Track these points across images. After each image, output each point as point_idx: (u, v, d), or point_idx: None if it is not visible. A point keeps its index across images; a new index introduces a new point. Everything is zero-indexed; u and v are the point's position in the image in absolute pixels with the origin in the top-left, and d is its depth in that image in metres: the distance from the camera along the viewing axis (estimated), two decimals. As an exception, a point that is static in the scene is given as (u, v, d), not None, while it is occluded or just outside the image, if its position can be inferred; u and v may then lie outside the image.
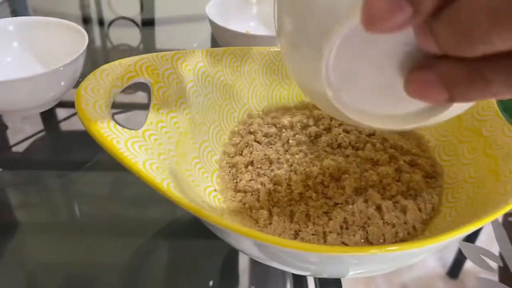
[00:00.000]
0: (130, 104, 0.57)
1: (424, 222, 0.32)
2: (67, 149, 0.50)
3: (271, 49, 0.43)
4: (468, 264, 0.34)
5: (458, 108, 0.20)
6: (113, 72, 0.32)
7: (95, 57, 0.71)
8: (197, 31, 0.79)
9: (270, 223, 0.31)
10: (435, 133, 0.39)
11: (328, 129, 0.39)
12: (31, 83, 0.43)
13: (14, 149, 0.49)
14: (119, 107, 0.56)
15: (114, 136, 0.27)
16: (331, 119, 0.40)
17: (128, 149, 0.27)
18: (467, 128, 0.36)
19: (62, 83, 0.47)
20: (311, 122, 0.39)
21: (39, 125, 0.52)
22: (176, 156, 0.32)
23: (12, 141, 0.50)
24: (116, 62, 0.33)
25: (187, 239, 0.37)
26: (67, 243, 0.38)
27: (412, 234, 0.31)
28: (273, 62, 0.43)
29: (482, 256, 0.34)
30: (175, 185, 0.26)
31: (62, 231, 0.39)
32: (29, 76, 0.42)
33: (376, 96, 0.21)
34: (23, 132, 0.51)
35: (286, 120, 0.39)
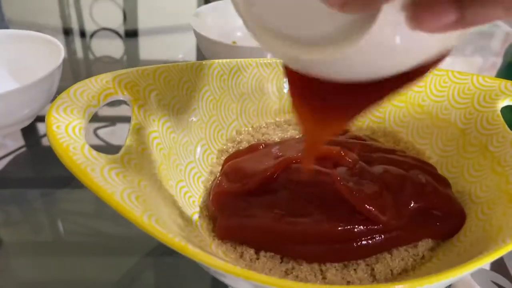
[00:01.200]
0: (115, 117, 0.55)
1: (432, 248, 0.29)
2: (49, 164, 0.47)
3: (261, 61, 0.40)
4: None
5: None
6: (88, 90, 0.30)
7: (77, 70, 0.68)
8: (182, 42, 0.77)
9: (258, 259, 0.29)
10: (436, 148, 0.36)
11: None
12: (2, 101, 0.40)
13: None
14: (103, 120, 0.53)
15: (88, 163, 0.24)
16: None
17: (104, 178, 0.24)
18: (471, 143, 0.34)
19: (37, 99, 0.44)
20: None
21: (20, 141, 0.50)
22: (160, 180, 0.29)
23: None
24: (92, 79, 0.31)
25: (174, 256, 0.34)
26: (52, 262, 0.36)
27: (418, 262, 0.28)
28: (263, 75, 0.40)
29: (493, 282, 0.32)
30: (157, 218, 0.23)
31: (46, 250, 0.37)
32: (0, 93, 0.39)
33: (289, 11, 0.19)
34: (5, 148, 0.48)
35: (277, 137, 0.37)
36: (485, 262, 0.22)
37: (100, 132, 0.52)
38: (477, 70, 0.70)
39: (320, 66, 0.20)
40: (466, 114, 0.35)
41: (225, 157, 0.37)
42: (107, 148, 0.50)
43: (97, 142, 0.50)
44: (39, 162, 0.49)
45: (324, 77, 0.20)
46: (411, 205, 0.29)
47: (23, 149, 0.49)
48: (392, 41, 0.17)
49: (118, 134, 0.52)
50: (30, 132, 0.51)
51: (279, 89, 0.41)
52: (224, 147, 0.37)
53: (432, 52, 0.19)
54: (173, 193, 0.31)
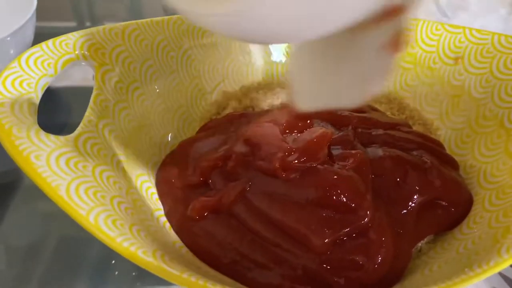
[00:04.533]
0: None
1: (431, 240, 0.26)
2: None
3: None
4: None
5: None
6: (44, 56, 0.26)
7: (78, 7, 0.63)
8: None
9: None
10: (446, 119, 0.32)
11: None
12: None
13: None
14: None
15: (33, 148, 0.21)
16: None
17: (49, 167, 0.21)
18: (485, 116, 0.29)
19: (11, 53, 0.40)
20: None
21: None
22: (126, 161, 0.26)
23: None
24: (49, 42, 0.27)
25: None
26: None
27: (414, 255, 0.25)
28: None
29: None
30: (108, 215, 0.21)
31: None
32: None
33: None
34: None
35: (265, 104, 0.33)
36: (478, 279, 0.19)
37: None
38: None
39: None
40: (483, 82, 0.30)
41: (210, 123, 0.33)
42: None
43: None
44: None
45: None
46: (413, 201, 0.25)
47: None
48: None
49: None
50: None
51: (271, 46, 0.36)
52: (207, 114, 0.34)
53: None
54: (143, 171, 0.28)
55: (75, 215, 0.20)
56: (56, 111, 0.45)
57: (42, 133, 0.22)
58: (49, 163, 0.21)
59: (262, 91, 0.35)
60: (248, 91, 0.35)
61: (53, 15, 0.62)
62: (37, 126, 0.23)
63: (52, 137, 0.23)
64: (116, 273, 0.30)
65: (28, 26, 0.41)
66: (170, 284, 0.30)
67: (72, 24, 0.66)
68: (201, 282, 0.18)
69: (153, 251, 0.20)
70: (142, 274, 0.30)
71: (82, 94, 0.49)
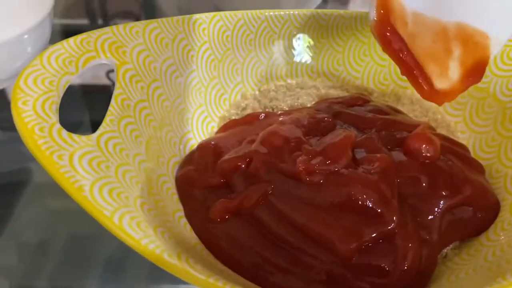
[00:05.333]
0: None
1: (456, 246, 0.25)
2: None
3: (270, 13, 0.35)
4: None
5: None
6: (65, 54, 0.26)
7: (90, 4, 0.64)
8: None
9: None
10: (470, 122, 0.31)
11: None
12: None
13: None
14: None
15: (55, 148, 0.21)
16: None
17: (73, 167, 0.21)
18: (513, 119, 0.29)
19: (28, 50, 0.40)
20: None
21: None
22: (147, 161, 0.26)
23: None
24: (71, 40, 0.26)
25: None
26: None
27: (440, 261, 0.25)
28: (273, 29, 0.35)
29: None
30: (132, 216, 0.20)
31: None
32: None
33: None
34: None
35: (285, 104, 0.32)
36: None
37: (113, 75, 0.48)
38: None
39: None
40: (509, 84, 0.30)
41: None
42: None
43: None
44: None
45: None
46: (440, 206, 0.25)
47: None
48: None
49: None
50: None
51: (292, 46, 0.36)
52: (227, 114, 0.33)
53: None
54: (164, 171, 0.27)
55: (99, 216, 0.19)
56: (70, 109, 0.45)
57: (65, 132, 0.22)
58: (72, 163, 0.21)
59: (281, 92, 0.35)
60: (267, 91, 0.35)
61: (65, 12, 0.62)
62: (59, 125, 0.22)
63: (75, 136, 0.22)
64: (126, 270, 0.30)
65: (46, 23, 0.40)
66: (176, 283, 0.30)
67: (84, 21, 0.66)
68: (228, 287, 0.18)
69: (178, 254, 0.19)
70: (153, 272, 0.30)
71: (95, 92, 0.49)
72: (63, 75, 0.25)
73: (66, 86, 0.25)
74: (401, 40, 0.27)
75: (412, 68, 0.27)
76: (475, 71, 0.27)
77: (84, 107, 0.46)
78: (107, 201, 0.20)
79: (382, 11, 0.27)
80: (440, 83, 0.27)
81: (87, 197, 0.20)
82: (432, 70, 0.27)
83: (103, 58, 0.27)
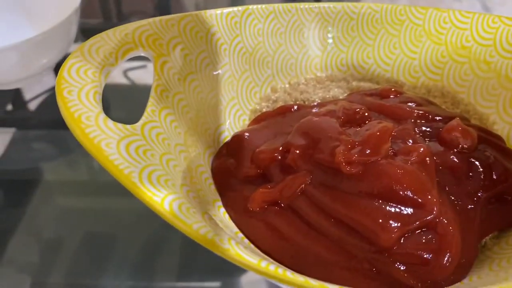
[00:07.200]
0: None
1: (495, 236, 0.25)
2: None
3: (301, 6, 0.35)
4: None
5: None
6: (105, 46, 0.26)
7: (106, 5, 0.64)
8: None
9: None
10: (504, 113, 0.31)
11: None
12: (16, 51, 0.37)
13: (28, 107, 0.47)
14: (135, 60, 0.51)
15: (103, 136, 0.21)
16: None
17: (121, 155, 0.21)
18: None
19: (55, 47, 0.41)
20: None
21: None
22: (186, 151, 0.26)
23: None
24: (110, 32, 0.27)
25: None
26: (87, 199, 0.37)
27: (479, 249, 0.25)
28: (303, 23, 0.35)
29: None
30: (181, 203, 0.20)
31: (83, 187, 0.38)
32: (11, 44, 0.36)
33: None
34: (41, 84, 0.48)
35: (317, 97, 0.33)
36: None
37: (131, 74, 0.49)
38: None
39: None
40: (545, 75, 0.30)
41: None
42: (136, 91, 0.47)
43: (127, 84, 0.48)
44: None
45: None
46: (478, 196, 0.25)
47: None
48: None
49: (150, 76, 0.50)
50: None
51: (322, 39, 0.36)
52: (258, 107, 0.33)
53: None
54: (201, 162, 0.27)
55: (150, 202, 0.20)
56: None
57: (110, 121, 0.22)
58: (119, 150, 0.21)
59: (311, 85, 0.35)
60: (297, 84, 0.35)
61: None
62: (104, 115, 0.23)
63: (120, 125, 0.22)
64: (140, 269, 0.30)
65: (72, 20, 0.41)
66: (174, 281, 0.30)
67: (99, 20, 0.67)
68: (280, 271, 0.18)
69: (229, 239, 0.20)
70: (162, 270, 0.30)
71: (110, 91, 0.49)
72: (104, 66, 0.25)
73: (108, 77, 0.25)
74: None
75: None
76: None
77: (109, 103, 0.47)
78: (156, 187, 0.20)
79: None
80: None
81: (137, 183, 0.20)
82: None
83: (141, 50, 0.27)
